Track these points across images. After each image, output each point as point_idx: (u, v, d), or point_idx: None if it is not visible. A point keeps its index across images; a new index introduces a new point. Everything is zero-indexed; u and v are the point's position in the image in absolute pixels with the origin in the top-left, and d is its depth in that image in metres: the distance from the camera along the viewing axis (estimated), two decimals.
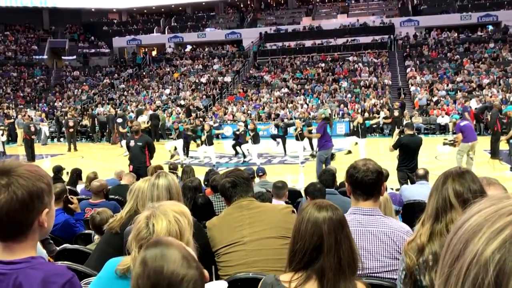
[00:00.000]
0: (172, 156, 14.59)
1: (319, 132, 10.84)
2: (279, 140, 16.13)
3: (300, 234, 1.81)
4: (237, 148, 15.14)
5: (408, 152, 8.31)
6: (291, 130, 15.67)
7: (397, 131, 10.77)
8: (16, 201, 1.26)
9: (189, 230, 1.83)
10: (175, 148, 14.86)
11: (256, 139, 13.92)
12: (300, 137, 14.36)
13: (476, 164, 11.09)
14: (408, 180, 8.11)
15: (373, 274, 2.26)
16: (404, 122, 18.22)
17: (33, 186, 1.29)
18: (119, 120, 19.30)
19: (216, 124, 21.28)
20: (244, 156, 14.59)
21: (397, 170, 8.45)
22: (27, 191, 1.28)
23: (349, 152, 14.35)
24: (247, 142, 14.13)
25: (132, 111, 23.80)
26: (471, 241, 0.62)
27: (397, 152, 8.64)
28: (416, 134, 9.03)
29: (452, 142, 11.29)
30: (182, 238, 1.77)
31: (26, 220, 1.30)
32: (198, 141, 15.19)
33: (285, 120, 18.24)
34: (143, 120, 20.00)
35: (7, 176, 1.28)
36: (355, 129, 14.17)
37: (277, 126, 16.67)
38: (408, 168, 8.21)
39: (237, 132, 15.01)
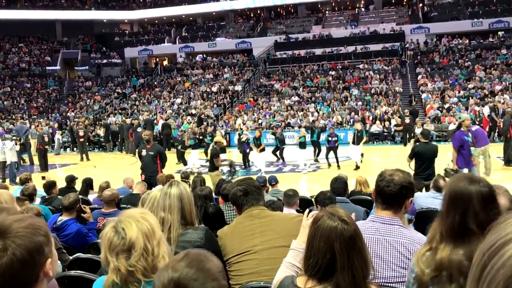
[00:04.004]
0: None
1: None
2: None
3: (313, 250, 1.80)
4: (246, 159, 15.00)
5: (423, 161, 8.23)
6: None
7: (412, 141, 10.29)
8: (16, 262, 1.22)
9: (159, 227, 1.86)
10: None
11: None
12: (301, 145, 14.44)
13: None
14: (424, 189, 8.02)
15: (387, 284, 2.23)
16: (416, 130, 18.12)
17: (31, 243, 1.25)
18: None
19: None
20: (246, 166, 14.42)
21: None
22: (26, 250, 1.23)
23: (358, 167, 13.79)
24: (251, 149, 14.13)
25: (143, 120, 23.96)
26: None
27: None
28: (430, 142, 8.88)
29: None
30: (154, 235, 1.80)
31: (30, 277, 1.27)
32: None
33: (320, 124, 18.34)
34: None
35: (2, 238, 1.23)
36: (354, 137, 14.04)
37: (310, 129, 16.22)
38: (423, 176, 8.12)
39: (242, 140, 14.97)
